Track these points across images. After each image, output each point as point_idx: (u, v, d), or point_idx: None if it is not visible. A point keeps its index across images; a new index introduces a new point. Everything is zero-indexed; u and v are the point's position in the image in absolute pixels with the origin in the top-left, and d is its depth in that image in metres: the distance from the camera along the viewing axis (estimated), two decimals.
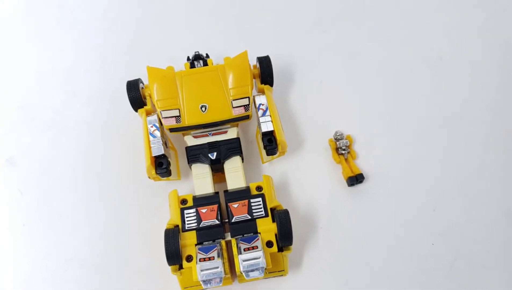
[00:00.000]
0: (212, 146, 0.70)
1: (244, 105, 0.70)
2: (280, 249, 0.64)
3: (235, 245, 0.63)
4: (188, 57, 0.78)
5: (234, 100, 0.70)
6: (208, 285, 0.62)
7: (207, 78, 0.71)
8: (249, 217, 0.65)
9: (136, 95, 0.72)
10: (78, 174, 0.76)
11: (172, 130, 0.71)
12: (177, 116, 0.69)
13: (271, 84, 0.77)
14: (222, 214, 0.66)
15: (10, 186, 0.76)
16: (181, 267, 0.62)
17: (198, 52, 0.78)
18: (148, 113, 0.72)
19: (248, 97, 0.70)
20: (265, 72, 0.76)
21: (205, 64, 0.76)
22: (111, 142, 0.78)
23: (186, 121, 0.70)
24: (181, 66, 0.79)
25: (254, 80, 0.76)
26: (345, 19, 0.90)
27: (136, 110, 0.74)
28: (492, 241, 0.69)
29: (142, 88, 0.74)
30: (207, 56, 0.78)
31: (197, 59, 0.77)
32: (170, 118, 0.69)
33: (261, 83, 0.77)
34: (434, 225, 0.70)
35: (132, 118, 0.77)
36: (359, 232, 0.70)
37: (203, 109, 0.70)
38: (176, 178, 0.73)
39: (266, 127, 0.70)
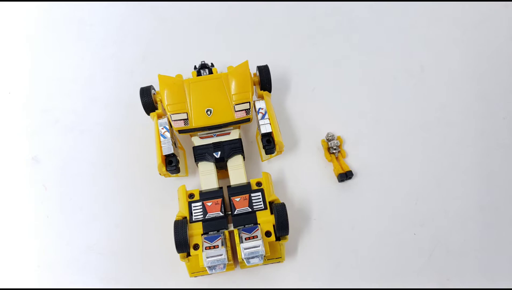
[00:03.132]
0: (216, 146, 0.69)
1: (245, 109, 0.70)
2: (278, 238, 0.64)
3: (237, 235, 0.62)
4: (195, 66, 0.78)
5: (236, 104, 0.70)
6: (213, 270, 0.61)
7: (212, 85, 0.70)
8: (250, 210, 0.64)
9: (148, 100, 0.72)
10: (96, 171, 0.75)
11: (180, 131, 0.70)
12: (185, 119, 0.69)
13: (270, 90, 0.76)
14: (226, 207, 0.66)
15: (35, 182, 0.75)
16: (188, 255, 0.62)
17: (204, 61, 0.78)
18: (159, 117, 0.72)
19: (249, 102, 0.70)
20: (264, 79, 0.75)
21: (210, 72, 0.75)
22: (126, 142, 0.78)
23: (193, 124, 0.69)
24: (189, 74, 0.78)
25: (254, 86, 0.75)
26: (335, 33, 0.89)
27: (148, 114, 0.73)
28: (467, 231, 0.69)
29: (154, 94, 0.73)
30: (212, 65, 0.78)
31: (203, 68, 0.76)
32: (179, 121, 0.69)
33: (261, 89, 0.76)
34: (415, 216, 0.70)
35: (144, 121, 0.76)
36: (348, 223, 0.70)
37: (209, 112, 0.69)
38: (184, 174, 0.73)
39: (265, 129, 0.70)
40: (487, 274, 0.66)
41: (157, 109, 0.73)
